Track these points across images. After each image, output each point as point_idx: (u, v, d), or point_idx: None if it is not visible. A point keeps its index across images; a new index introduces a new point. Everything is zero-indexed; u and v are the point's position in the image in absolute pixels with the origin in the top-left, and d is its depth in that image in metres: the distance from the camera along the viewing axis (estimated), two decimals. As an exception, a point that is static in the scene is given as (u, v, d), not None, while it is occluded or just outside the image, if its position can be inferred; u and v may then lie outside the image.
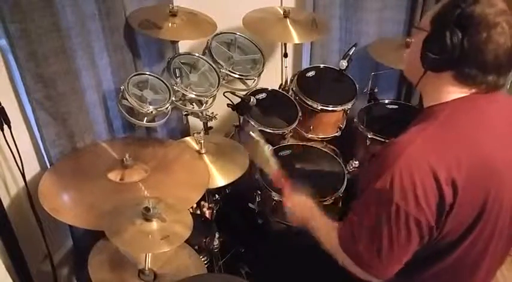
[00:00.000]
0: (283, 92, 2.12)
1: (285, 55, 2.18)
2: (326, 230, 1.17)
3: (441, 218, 0.95)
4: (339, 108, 2.04)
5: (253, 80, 2.00)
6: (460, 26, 0.92)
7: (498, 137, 1.01)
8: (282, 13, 2.02)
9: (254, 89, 2.01)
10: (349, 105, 2.07)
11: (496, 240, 1.06)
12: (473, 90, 0.99)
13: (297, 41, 2.03)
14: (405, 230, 0.95)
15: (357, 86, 2.13)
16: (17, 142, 1.41)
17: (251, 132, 1.48)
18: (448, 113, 0.99)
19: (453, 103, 1.00)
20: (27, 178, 1.49)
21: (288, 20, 2.01)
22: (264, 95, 2.03)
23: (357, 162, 2.11)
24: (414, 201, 0.92)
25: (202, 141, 1.73)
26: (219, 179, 1.67)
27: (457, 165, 0.92)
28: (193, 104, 1.83)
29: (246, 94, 1.92)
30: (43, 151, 1.61)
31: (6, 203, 1.44)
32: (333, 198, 1.73)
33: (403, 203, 0.92)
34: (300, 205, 1.33)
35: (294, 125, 1.96)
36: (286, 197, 1.38)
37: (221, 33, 1.97)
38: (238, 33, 2.02)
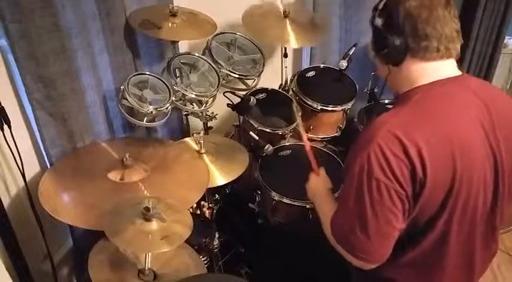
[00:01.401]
0: (283, 92, 2.13)
1: (285, 55, 2.18)
2: (326, 214, 1.19)
3: (415, 191, 0.99)
4: (338, 108, 2.04)
5: (253, 80, 2.00)
6: (385, 19, 1.08)
7: (466, 119, 1.05)
8: (281, 12, 2.02)
9: (254, 89, 2.01)
10: (349, 105, 2.07)
11: (469, 225, 1.08)
12: (436, 61, 1.05)
13: (295, 45, 2.02)
14: (389, 202, 0.98)
15: (357, 86, 2.13)
16: (17, 142, 1.41)
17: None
18: (420, 96, 1.06)
19: (425, 86, 1.06)
20: (27, 178, 1.49)
21: (287, 20, 2.01)
22: (264, 95, 2.03)
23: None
24: (392, 174, 0.97)
25: (202, 141, 1.74)
26: (219, 178, 1.68)
27: (426, 143, 0.97)
28: (193, 104, 1.83)
29: (246, 94, 1.92)
30: (43, 151, 1.61)
31: (6, 203, 1.44)
32: (333, 198, 1.73)
33: (382, 176, 0.97)
34: (320, 184, 1.38)
35: (294, 125, 1.96)
36: (315, 169, 1.42)
37: (221, 33, 1.97)
38: (238, 33, 2.02)
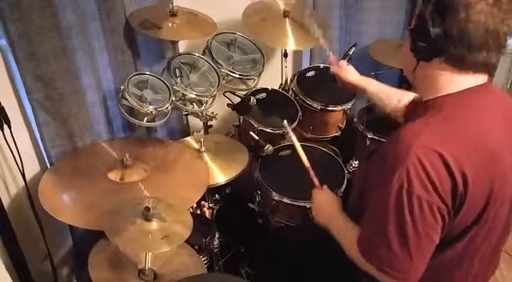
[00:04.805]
0: (283, 92, 2.13)
1: (285, 55, 2.18)
2: (347, 236, 1.15)
3: (455, 206, 0.97)
4: (338, 108, 2.04)
5: (253, 80, 2.00)
6: (439, 11, 0.96)
7: (499, 130, 1.02)
8: (281, 12, 2.02)
9: (254, 89, 2.01)
10: (349, 105, 2.07)
11: (492, 233, 1.07)
12: (468, 77, 1.01)
13: (293, 48, 2.02)
14: (431, 219, 0.95)
15: (357, 86, 2.13)
16: (17, 142, 1.41)
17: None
18: (450, 106, 1.01)
19: (453, 96, 1.02)
20: (27, 178, 1.49)
21: (287, 20, 2.01)
22: (264, 95, 2.03)
23: (356, 162, 2.11)
24: (433, 190, 0.93)
25: (202, 140, 1.74)
26: (219, 176, 1.68)
27: (466, 158, 0.94)
28: (193, 103, 1.83)
29: (246, 94, 1.92)
30: (43, 151, 1.61)
31: (6, 203, 1.45)
32: (333, 198, 1.73)
33: (423, 193, 0.93)
34: (328, 201, 1.32)
35: (294, 125, 1.96)
36: (317, 185, 1.37)
37: (221, 33, 1.97)
38: (238, 33, 2.02)
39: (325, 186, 1.38)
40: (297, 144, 1.45)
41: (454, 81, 1.01)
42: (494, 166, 0.98)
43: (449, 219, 0.98)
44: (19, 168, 1.44)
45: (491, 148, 0.98)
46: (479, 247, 1.08)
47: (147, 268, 1.33)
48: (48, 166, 1.61)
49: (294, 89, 2.09)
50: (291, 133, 1.50)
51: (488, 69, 1.01)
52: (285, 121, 1.56)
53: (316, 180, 1.39)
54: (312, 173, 1.39)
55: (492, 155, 0.98)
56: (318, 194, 1.37)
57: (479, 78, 1.02)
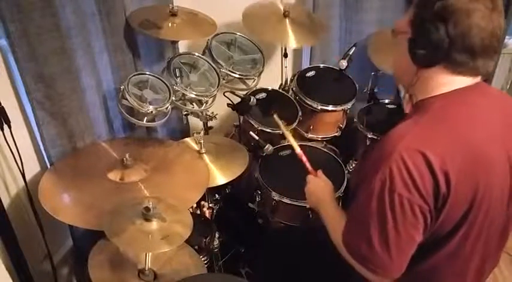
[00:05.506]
0: (283, 92, 2.12)
1: (285, 55, 2.18)
2: (334, 225, 1.17)
3: (437, 206, 0.97)
4: (338, 108, 2.04)
5: (253, 80, 2.00)
6: (441, 19, 0.96)
7: (489, 131, 1.02)
8: (281, 12, 2.02)
9: (254, 89, 2.01)
10: (349, 105, 2.07)
11: (486, 234, 1.07)
12: (464, 78, 1.01)
13: (294, 45, 2.02)
14: (412, 218, 0.96)
15: (357, 86, 2.13)
16: (17, 142, 1.41)
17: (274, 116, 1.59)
18: (440, 106, 1.02)
19: (444, 96, 1.02)
20: (27, 178, 1.49)
21: (287, 20, 2.01)
22: (264, 95, 2.03)
23: (356, 162, 2.11)
24: (415, 189, 0.94)
25: (202, 141, 1.74)
26: (219, 178, 1.68)
27: (450, 158, 0.94)
28: (193, 103, 1.83)
29: (246, 94, 1.92)
30: (43, 151, 1.61)
31: (6, 203, 1.44)
32: (333, 198, 1.73)
33: (405, 191, 0.94)
34: (320, 187, 1.34)
35: (294, 125, 1.96)
36: (311, 175, 1.39)
37: (221, 33, 1.97)
38: (238, 33, 2.02)
39: (319, 172, 1.40)
40: (286, 131, 1.50)
41: (447, 83, 1.02)
42: (481, 167, 0.98)
43: (431, 219, 0.98)
44: (19, 168, 1.44)
45: (479, 148, 0.98)
46: (472, 251, 1.07)
47: (147, 268, 1.33)
48: (48, 166, 1.61)
49: (294, 89, 2.09)
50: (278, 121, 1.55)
51: (485, 73, 1.02)
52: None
53: (309, 166, 1.40)
54: (304, 158, 1.41)
55: (480, 156, 0.98)
56: (312, 179, 1.38)
57: (473, 79, 1.03)
